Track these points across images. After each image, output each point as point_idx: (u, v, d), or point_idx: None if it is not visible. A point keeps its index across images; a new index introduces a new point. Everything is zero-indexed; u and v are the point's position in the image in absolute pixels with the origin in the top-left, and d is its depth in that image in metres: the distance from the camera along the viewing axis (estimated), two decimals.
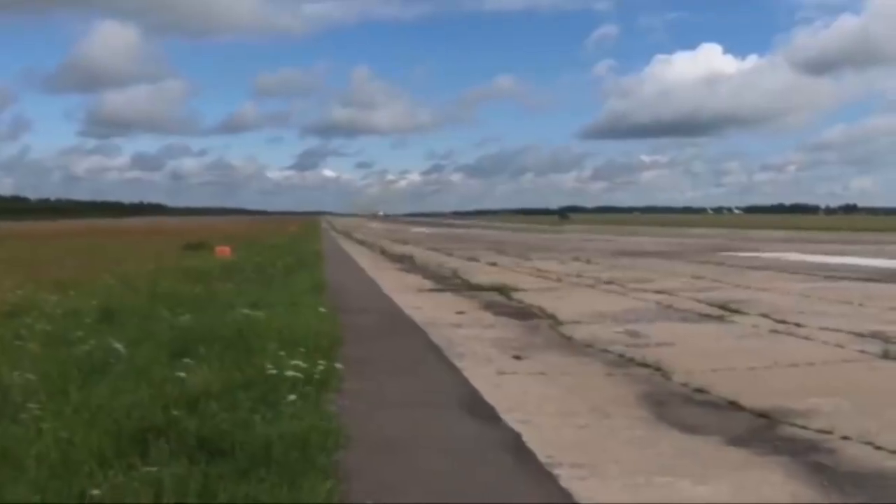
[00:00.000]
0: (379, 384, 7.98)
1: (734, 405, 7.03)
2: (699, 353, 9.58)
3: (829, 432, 6.06)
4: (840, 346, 9.91)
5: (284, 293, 14.73)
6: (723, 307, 13.73)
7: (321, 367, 7.61)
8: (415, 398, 7.49)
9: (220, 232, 59.11)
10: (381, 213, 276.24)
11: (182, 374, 6.99)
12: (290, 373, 7.09)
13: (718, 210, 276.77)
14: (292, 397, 6.45)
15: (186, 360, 7.70)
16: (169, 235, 52.51)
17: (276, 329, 9.51)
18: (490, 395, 7.48)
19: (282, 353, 7.92)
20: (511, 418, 6.63)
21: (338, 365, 8.16)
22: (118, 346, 8.26)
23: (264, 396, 6.49)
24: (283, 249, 35.44)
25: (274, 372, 7.11)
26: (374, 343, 10.55)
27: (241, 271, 20.70)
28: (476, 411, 6.95)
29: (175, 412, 5.85)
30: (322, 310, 12.10)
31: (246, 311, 11.07)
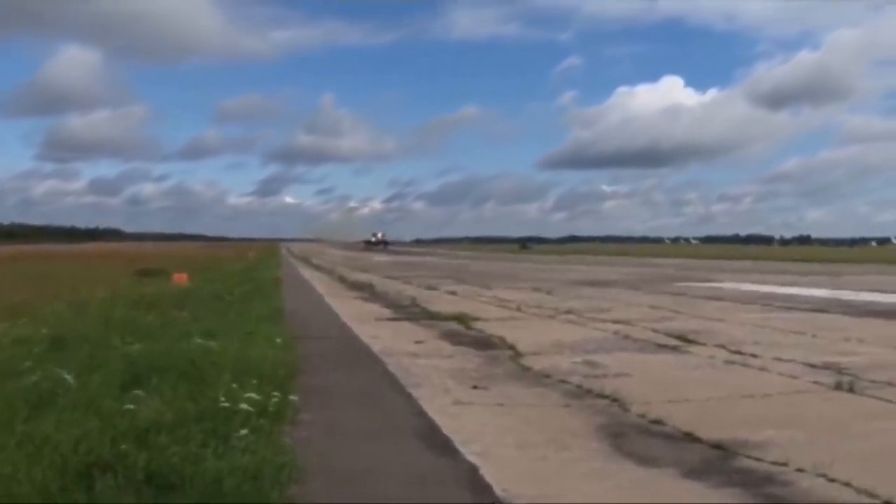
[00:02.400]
0: (335, 415, 7.88)
1: (690, 436, 7.04)
2: (656, 384, 9.61)
3: (784, 464, 6.08)
4: (794, 377, 10.01)
5: (241, 322, 14.56)
6: (679, 337, 13.82)
7: (276, 399, 7.51)
8: (371, 430, 7.38)
9: (177, 258, 58.45)
10: (375, 238, 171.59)
11: (132, 406, 6.84)
12: (243, 405, 6.98)
13: (676, 240, 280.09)
14: (244, 431, 6.33)
15: (137, 391, 7.55)
16: (124, 261, 51.79)
17: (231, 359, 9.37)
18: (447, 427, 7.41)
19: (234, 385, 7.78)
20: (468, 451, 6.57)
21: (292, 397, 8.05)
22: (67, 376, 8.07)
23: (216, 429, 6.37)
24: (242, 276, 35.14)
25: (227, 404, 6.99)
26: (331, 373, 10.44)
27: (198, 299, 20.45)
28: (433, 443, 6.88)
29: (123, 446, 5.70)
30: (279, 340, 11.95)
31: (201, 340, 10.91)
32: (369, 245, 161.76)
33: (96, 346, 10.84)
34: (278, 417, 7.16)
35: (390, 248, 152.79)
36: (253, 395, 7.42)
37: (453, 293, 26.49)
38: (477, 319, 17.11)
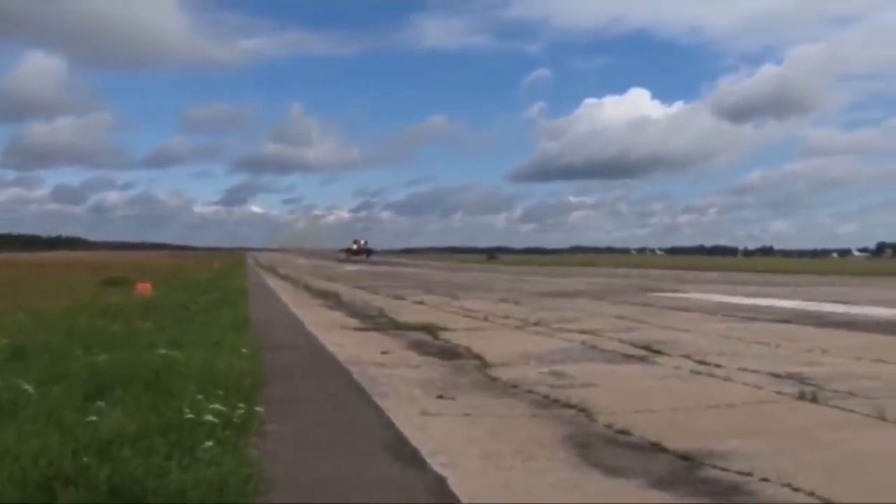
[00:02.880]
0: (301, 426, 7.82)
1: (657, 447, 7.08)
2: (623, 394, 9.66)
3: (749, 474, 6.13)
4: (758, 387, 10.11)
5: (206, 332, 14.41)
6: (646, 348, 13.92)
7: (241, 411, 7.43)
8: (338, 441, 7.33)
9: (141, 267, 57.89)
10: (357, 246, 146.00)
11: (94, 418, 6.73)
12: (208, 417, 6.90)
13: (641, 250, 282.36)
14: (210, 443, 6.25)
15: (100, 402, 7.42)
16: (88, 270, 51.12)
17: (196, 370, 9.26)
18: (414, 438, 7.38)
19: (199, 396, 7.69)
20: (435, 461, 6.54)
21: (258, 408, 7.97)
22: (28, 387, 7.93)
23: (181, 441, 6.28)
24: (207, 285, 34.87)
25: (192, 416, 6.91)
26: (297, 383, 10.37)
27: (162, 309, 20.24)
28: (400, 454, 6.85)
29: (85, 458, 5.60)
30: (244, 350, 11.84)
31: (165, 350, 10.78)
32: (350, 254, 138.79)
33: (58, 356, 10.67)
34: (244, 429, 7.08)
35: (373, 257, 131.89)
36: (218, 406, 7.32)
37: (421, 303, 26.48)
38: (444, 330, 17.10)
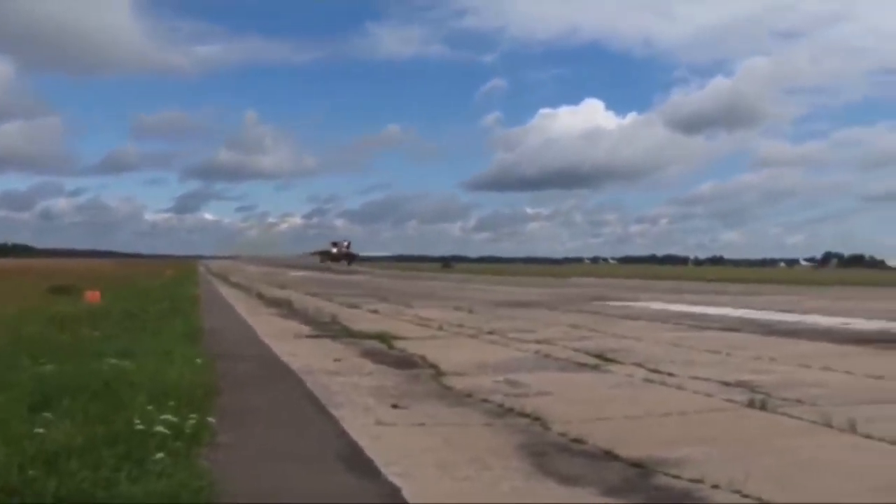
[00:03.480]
0: (253, 436, 7.73)
1: (610, 455, 7.13)
2: (577, 403, 9.72)
3: (701, 481, 6.20)
4: (709, 395, 10.24)
5: (157, 341, 14.20)
6: (599, 356, 14.02)
7: (193, 421, 7.32)
8: (291, 451, 7.26)
9: (90, 275, 56.80)
10: (337, 249, 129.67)
11: (40, 430, 6.58)
12: (159, 428, 6.79)
13: (595, 260, 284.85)
14: (160, 454, 6.15)
15: (47, 413, 7.27)
16: (35, 277, 50.00)
17: (147, 380, 9.12)
18: (369, 448, 7.34)
19: (150, 406, 7.57)
20: (390, 472, 6.51)
21: (210, 418, 7.87)
22: None
23: (130, 453, 6.17)
24: (158, 294, 34.36)
25: (142, 427, 6.79)
26: (250, 393, 10.25)
27: (112, 317, 19.88)
28: (354, 464, 6.80)
29: (31, 471, 5.48)
30: (197, 360, 11.69)
31: (115, 360, 10.59)
32: (327, 259, 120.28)
33: (3, 365, 10.41)
34: (195, 440, 6.98)
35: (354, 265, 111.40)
36: (169, 416, 7.22)
37: (375, 312, 26.41)
38: (399, 338, 17.06)
